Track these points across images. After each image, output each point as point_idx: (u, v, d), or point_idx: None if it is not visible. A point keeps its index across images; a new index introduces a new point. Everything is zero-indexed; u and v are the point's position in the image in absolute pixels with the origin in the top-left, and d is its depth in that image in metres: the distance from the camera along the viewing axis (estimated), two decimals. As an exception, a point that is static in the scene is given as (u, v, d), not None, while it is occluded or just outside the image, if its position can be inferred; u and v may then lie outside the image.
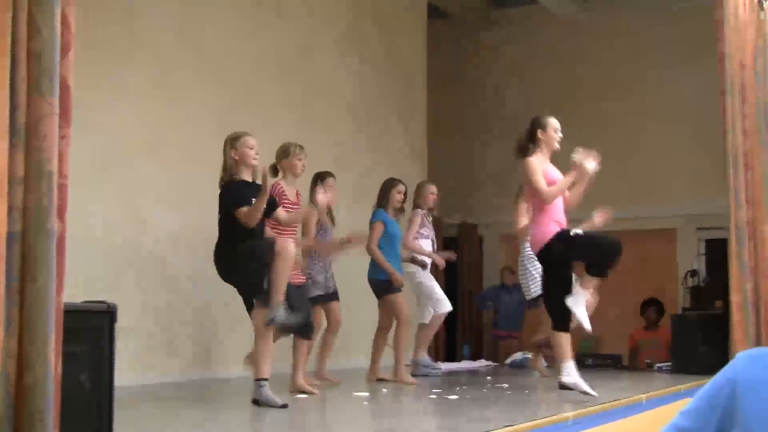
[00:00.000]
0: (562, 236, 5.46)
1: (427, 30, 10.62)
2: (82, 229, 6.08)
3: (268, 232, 5.46)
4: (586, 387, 5.34)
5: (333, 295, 6.68)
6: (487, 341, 10.73)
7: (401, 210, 7.02)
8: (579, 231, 5.53)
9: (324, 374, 6.74)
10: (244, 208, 4.98)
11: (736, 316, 6.50)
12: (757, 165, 6.75)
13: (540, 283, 6.47)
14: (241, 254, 5.00)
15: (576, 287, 5.45)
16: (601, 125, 10.59)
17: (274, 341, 5.32)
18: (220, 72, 7.56)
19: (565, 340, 5.46)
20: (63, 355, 2.72)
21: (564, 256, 5.48)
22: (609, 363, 8.48)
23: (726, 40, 6.68)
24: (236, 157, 5.12)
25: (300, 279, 5.94)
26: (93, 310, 3.22)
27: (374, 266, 6.86)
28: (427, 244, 7.32)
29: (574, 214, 5.90)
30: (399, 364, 6.75)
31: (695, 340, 7.34)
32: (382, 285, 6.80)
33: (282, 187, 5.78)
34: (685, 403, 1.98)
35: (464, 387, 6.48)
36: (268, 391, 4.99)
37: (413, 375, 7.03)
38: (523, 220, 7.01)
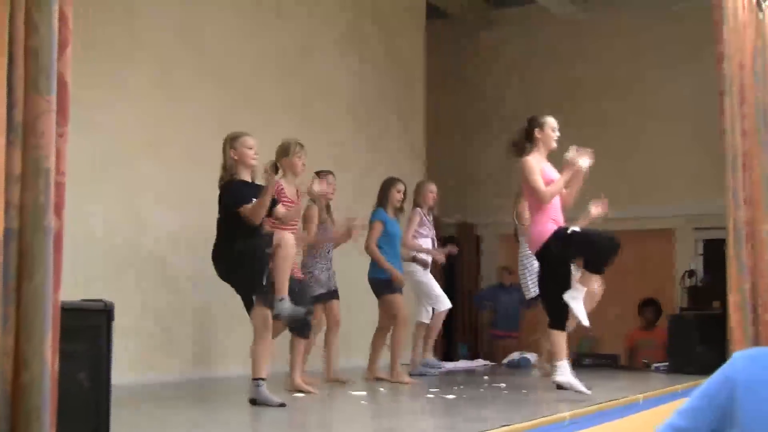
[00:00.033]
0: (560, 234, 5.47)
1: (427, 30, 10.63)
2: (82, 229, 6.10)
3: (268, 229, 5.46)
4: (579, 386, 5.34)
5: (333, 294, 6.69)
6: (485, 341, 10.72)
7: (401, 209, 7.03)
8: (576, 228, 5.54)
9: (333, 375, 6.70)
10: (249, 205, 4.99)
11: (733, 316, 6.50)
12: (755, 165, 6.75)
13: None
14: (241, 253, 5.01)
15: (574, 283, 5.46)
16: (601, 125, 10.59)
17: (273, 337, 5.34)
18: (220, 72, 7.57)
19: (560, 339, 5.46)
20: (60, 353, 2.72)
21: (562, 255, 5.49)
22: (606, 363, 8.48)
23: (725, 40, 6.68)
24: (235, 157, 5.13)
25: (299, 274, 5.94)
26: (90, 308, 3.22)
27: (374, 265, 6.87)
28: (426, 243, 7.34)
29: (571, 213, 5.92)
30: (396, 364, 6.75)
31: (692, 340, 7.34)
32: (382, 284, 6.81)
33: (282, 185, 5.78)
34: (682, 403, 1.98)
35: (461, 386, 6.48)
36: (266, 391, 5.00)
37: (411, 374, 7.03)
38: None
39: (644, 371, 8.08)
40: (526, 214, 6.85)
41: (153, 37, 7.02)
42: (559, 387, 5.46)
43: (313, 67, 8.65)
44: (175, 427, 4.55)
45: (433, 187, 7.43)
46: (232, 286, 5.16)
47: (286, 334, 5.89)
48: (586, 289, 5.40)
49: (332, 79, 8.94)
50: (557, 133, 5.70)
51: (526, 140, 5.70)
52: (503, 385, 6.61)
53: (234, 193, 5.07)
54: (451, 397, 5.72)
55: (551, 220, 5.53)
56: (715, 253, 8.99)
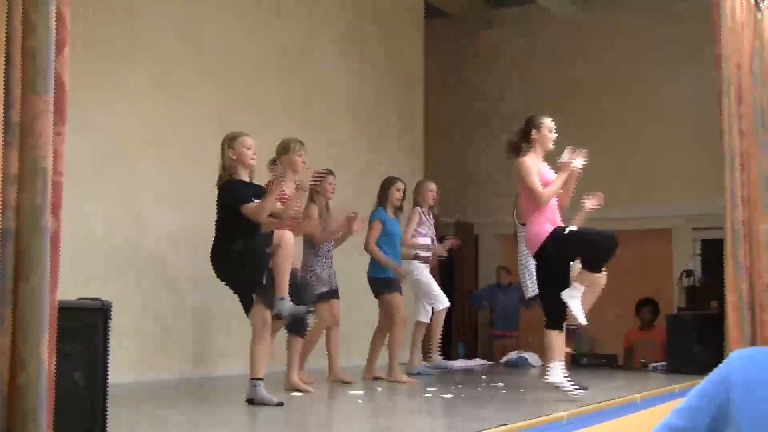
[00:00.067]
0: (557, 235, 5.47)
1: (427, 30, 10.63)
2: (82, 229, 6.11)
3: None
4: (570, 389, 5.33)
5: (335, 293, 6.69)
6: (483, 340, 10.72)
7: (400, 208, 7.04)
8: (574, 228, 5.55)
9: (337, 375, 6.68)
10: (251, 205, 4.99)
11: (731, 316, 6.50)
12: (753, 165, 6.74)
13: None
14: (240, 253, 5.01)
15: (572, 281, 5.46)
16: (601, 125, 10.60)
17: (272, 336, 5.35)
18: (220, 72, 7.58)
19: (556, 339, 5.46)
20: (57, 353, 2.72)
21: (559, 255, 5.49)
22: (604, 362, 8.48)
23: (723, 41, 6.68)
24: (234, 157, 5.13)
25: (297, 265, 5.92)
26: (87, 307, 3.22)
27: (373, 265, 6.89)
28: (426, 242, 7.36)
29: (567, 213, 5.92)
30: (393, 363, 6.76)
31: (690, 340, 7.34)
32: (380, 284, 6.83)
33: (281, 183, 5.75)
34: (679, 403, 1.98)
35: (459, 386, 6.49)
36: (263, 391, 5.00)
37: (409, 374, 7.04)
38: None
39: (642, 371, 8.08)
40: None
41: (153, 37, 7.02)
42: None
43: (313, 67, 8.66)
44: (174, 426, 4.56)
45: (432, 186, 7.45)
46: (231, 286, 5.15)
47: (283, 333, 5.91)
48: (584, 287, 5.41)
49: (332, 79, 8.95)
50: (554, 134, 5.70)
51: (523, 140, 5.70)
52: (501, 384, 6.62)
53: (233, 192, 5.08)
54: (448, 396, 5.73)
55: (548, 221, 5.53)
56: (713, 253, 8.98)
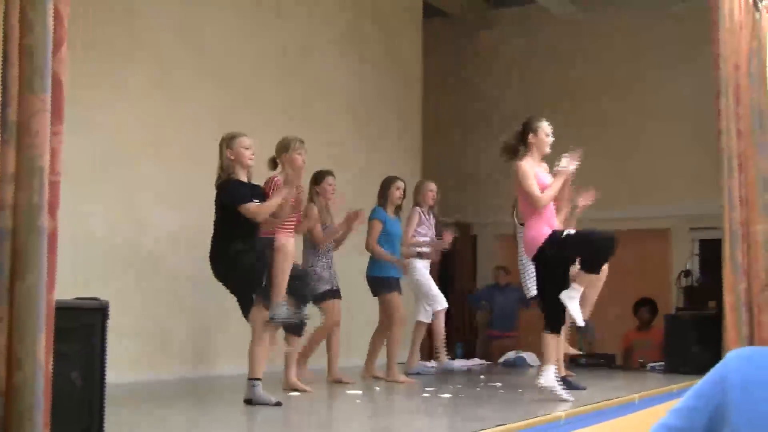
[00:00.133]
0: (555, 238, 5.45)
1: (427, 30, 10.64)
2: (82, 229, 6.12)
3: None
4: (562, 392, 5.32)
5: (336, 293, 6.68)
6: (481, 340, 10.71)
7: (400, 207, 7.04)
8: (571, 231, 5.53)
9: (336, 375, 6.67)
10: (250, 205, 4.99)
11: (729, 316, 6.50)
12: (750, 166, 6.73)
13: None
14: (239, 253, 5.00)
15: (570, 283, 5.46)
16: (601, 125, 10.60)
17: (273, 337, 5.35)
18: (220, 72, 7.58)
19: (552, 343, 5.44)
20: (54, 352, 2.72)
21: (558, 258, 5.47)
22: (602, 363, 8.48)
23: (721, 42, 6.68)
24: (232, 157, 5.12)
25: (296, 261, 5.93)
26: (85, 307, 3.23)
27: (372, 264, 6.89)
28: (426, 240, 7.36)
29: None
30: (392, 363, 6.76)
31: (688, 341, 7.34)
32: (379, 283, 6.83)
33: (280, 181, 5.75)
34: (676, 403, 1.98)
35: (458, 386, 6.49)
36: (261, 391, 5.01)
37: (408, 374, 7.04)
38: None
39: (640, 371, 8.08)
40: None
41: (153, 37, 7.03)
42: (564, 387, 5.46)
43: (312, 67, 8.66)
44: (174, 426, 4.57)
45: (432, 187, 7.44)
46: (229, 286, 5.13)
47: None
48: (582, 289, 5.40)
49: (332, 79, 8.95)
50: (551, 138, 5.67)
51: (519, 144, 5.68)
52: (499, 384, 6.62)
53: (231, 192, 5.07)
54: (447, 396, 5.73)
55: (546, 225, 5.51)
56: (711, 253, 8.98)
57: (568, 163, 5.49)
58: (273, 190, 5.39)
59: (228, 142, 5.15)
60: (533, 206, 5.48)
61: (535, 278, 7.06)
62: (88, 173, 6.21)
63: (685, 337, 7.39)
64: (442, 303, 7.35)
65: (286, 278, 5.04)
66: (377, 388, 6.38)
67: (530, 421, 4.35)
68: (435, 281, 7.57)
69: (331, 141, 8.52)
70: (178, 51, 7.25)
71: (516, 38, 11.49)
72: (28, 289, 2.63)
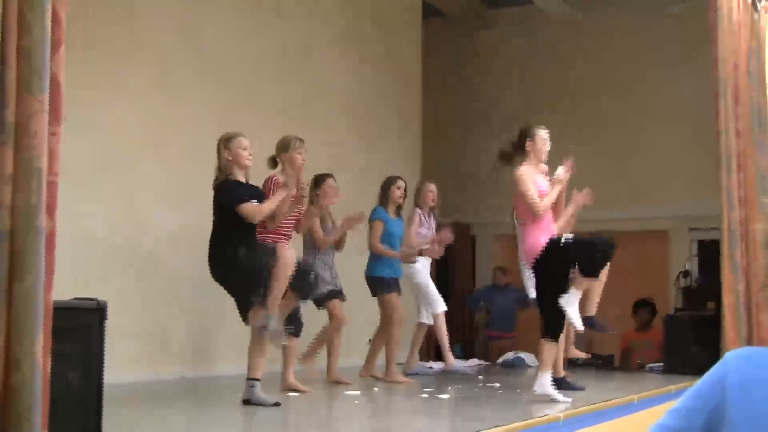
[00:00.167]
0: (553, 245, 5.44)
1: (426, 30, 10.64)
2: (82, 229, 6.13)
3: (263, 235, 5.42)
4: (558, 396, 5.30)
5: (339, 293, 6.67)
6: (479, 340, 10.71)
7: (400, 207, 7.04)
8: (569, 238, 5.52)
9: (335, 376, 6.66)
10: (248, 205, 4.98)
11: (728, 317, 6.50)
12: (750, 166, 6.73)
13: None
14: (239, 255, 4.99)
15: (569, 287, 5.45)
16: (601, 125, 10.59)
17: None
18: (220, 72, 7.59)
19: (551, 350, 5.43)
20: (52, 353, 2.72)
21: (557, 265, 5.46)
22: (601, 363, 8.48)
23: (720, 42, 6.68)
24: (230, 158, 5.11)
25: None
26: (83, 307, 3.23)
27: (371, 264, 6.89)
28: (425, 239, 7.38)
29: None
30: (390, 364, 6.76)
31: (687, 341, 7.34)
32: (378, 283, 6.83)
33: (279, 180, 5.74)
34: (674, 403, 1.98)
35: (456, 386, 6.49)
36: (260, 392, 5.01)
37: (406, 374, 7.04)
38: None
39: (639, 372, 8.09)
40: None
41: (153, 37, 7.04)
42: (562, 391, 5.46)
43: (312, 67, 8.66)
44: (174, 426, 4.59)
45: (432, 188, 7.43)
46: (227, 287, 5.12)
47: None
48: (580, 293, 5.40)
49: (331, 79, 8.95)
50: (548, 145, 5.67)
51: (516, 151, 5.68)
52: (498, 384, 6.62)
53: (229, 192, 5.06)
54: (445, 396, 5.73)
55: (544, 232, 5.51)
56: (710, 253, 8.98)
57: (564, 173, 5.51)
58: (272, 189, 5.39)
59: (225, 142, 5.14)
60: (533, 213, 5.48)
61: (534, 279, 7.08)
62: (88, 173, 6.22)
63: (684, 337, 7.39)
64: (441, 306, 7.34)
65: (283, 289, 5.00)
66: (376, 389, 6.38)
67: (529, 421, 4.36)
68: (434, 282, 7.57)
69: (331, 141, 8.52)
70: (178, 51, 7.25)
71: (516, 38, 11.48)
72: (27, 289, 2.63)
